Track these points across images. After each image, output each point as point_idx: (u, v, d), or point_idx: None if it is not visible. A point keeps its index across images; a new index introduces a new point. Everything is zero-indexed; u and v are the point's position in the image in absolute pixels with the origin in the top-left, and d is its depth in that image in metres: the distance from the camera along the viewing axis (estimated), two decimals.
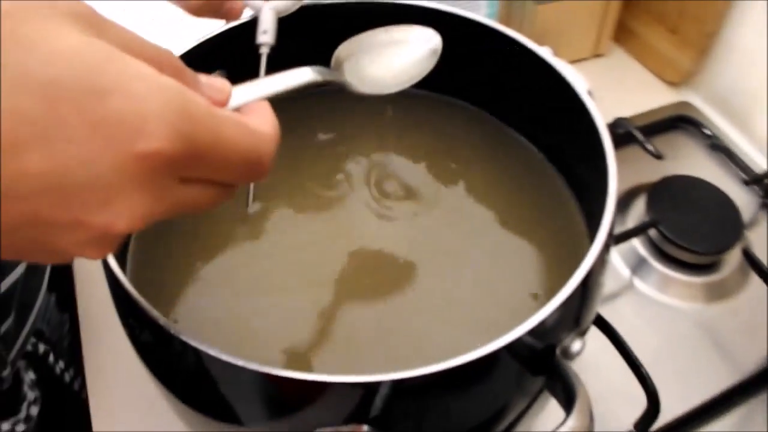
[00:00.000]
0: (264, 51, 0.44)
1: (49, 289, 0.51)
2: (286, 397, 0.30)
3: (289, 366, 0.37)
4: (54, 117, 0.18)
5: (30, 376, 0.45)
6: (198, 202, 0.23)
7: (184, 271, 0.42)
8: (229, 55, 0.45)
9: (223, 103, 0.25)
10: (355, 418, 0.29)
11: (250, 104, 0.27)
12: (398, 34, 0.39)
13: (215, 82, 0.25)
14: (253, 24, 0.44)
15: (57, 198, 0.18)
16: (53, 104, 0.18)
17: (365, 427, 0.29)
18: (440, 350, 0.38)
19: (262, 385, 0.29)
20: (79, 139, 0.18)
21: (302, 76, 0.31)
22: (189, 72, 0.23)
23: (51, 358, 0.49)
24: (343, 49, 0.37)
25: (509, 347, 0.29)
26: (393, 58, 0.38)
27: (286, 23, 0.44)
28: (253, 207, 0.45)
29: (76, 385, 0.51)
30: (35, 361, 0.47)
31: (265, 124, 0.25)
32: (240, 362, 0.28)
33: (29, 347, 0.47)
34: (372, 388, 0.28)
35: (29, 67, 0.17)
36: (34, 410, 0.44)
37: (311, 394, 0.29)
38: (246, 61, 0.44)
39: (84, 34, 0.19)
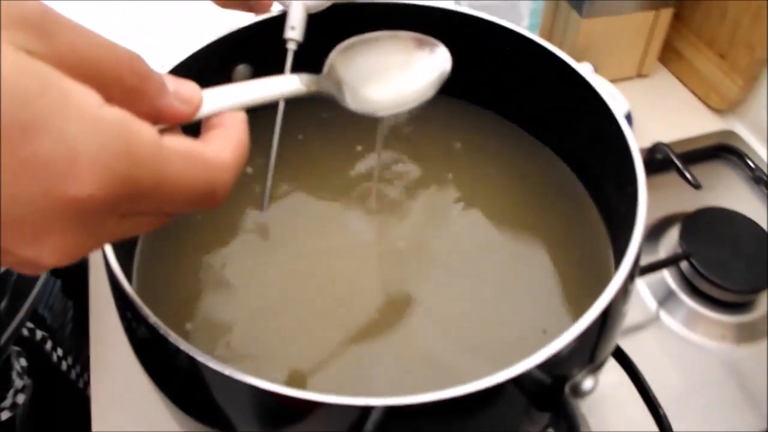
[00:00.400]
0: (291, 47, 0.42)
1: (56, 274, 0.50)
2: (276, 411, 0.29)
3: (289, 377, 0.36)
4: None
5: (21, 363, 0.45)
6: (139, 229, 0.22)
7: (192, 270, 0.41)
8: (255, 50, 0.44)
9: (190, 115, 0.24)
10: None
11: (223, 114, 0.25)
12: (407, 49, 0.34)
13: (184, 90, 0.23)
14: (282, 19, 0.43)
15: None
16: None
17: None
18: (448, 375, 0.36)
19: (251, 396, 0.28)
20: (6, 176, 0.17)
21: (286, 85, 0.28)
22: (155, 79, 0.22)
23: (49, 345, 0.48)
24: (340, 58, 0.33)
25: (516, 380, 0.27)
26: (396, 81, 0.34)
27: (316, 20, 0.43)
28: (268, 209, 0.44)
29: (74, 374, 0.51)
30: (30, 347, 0.47)
31: (226, 149, 0.23)
32: (227, 371, 0.26)
33: (25, 332, 0.46)
34: (365, 411, 0.26)
35: None
36: (21, 398, 0.43)
37: (301, 411, 0.27)
38: (272, 56, 0.42)
39: (22, 53, 0.17)
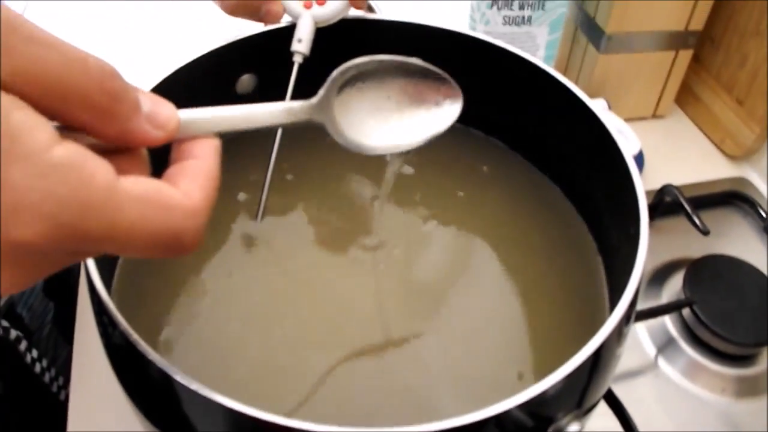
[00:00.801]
0: (296, 60, 0.42)
1: None
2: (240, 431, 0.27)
3: (262, 397, 0.35)
4: None
5: None
6: (94, 255, 0.21)
7: (175, 280, 0.40)
8: (260, 60, 0.44)
9: (162, 141, 0.22)
10: None
11: (195, 142, 0.23)
12: (414, 89, 0.30)
13: (160, 113, 0.21)
14: (290, 31, 0.42)
15: None
16: None
17: None
18: (429, 410, 0.35)
19: (214, 413, 0.27)
20: None
21: (272, 116, 0.25)
22: (128, 99, 0.20)
23: (23, 345, 0.47)
24: (337, 94, 0.28)
25: (496, 419, 0.26)
26: (396, 124, 0.30)
27: (325, 34, 0.42)
28: (262, 220, 0.43)
29: (48, 377, 0.49)
30: (3, 346, 0.45)
31: (194, 189, 0.21)
32: (193, 386, 0.25)
33: None
34: None
35: None
36: None
37: None
38: (278, 67, 0.42)
39: None
